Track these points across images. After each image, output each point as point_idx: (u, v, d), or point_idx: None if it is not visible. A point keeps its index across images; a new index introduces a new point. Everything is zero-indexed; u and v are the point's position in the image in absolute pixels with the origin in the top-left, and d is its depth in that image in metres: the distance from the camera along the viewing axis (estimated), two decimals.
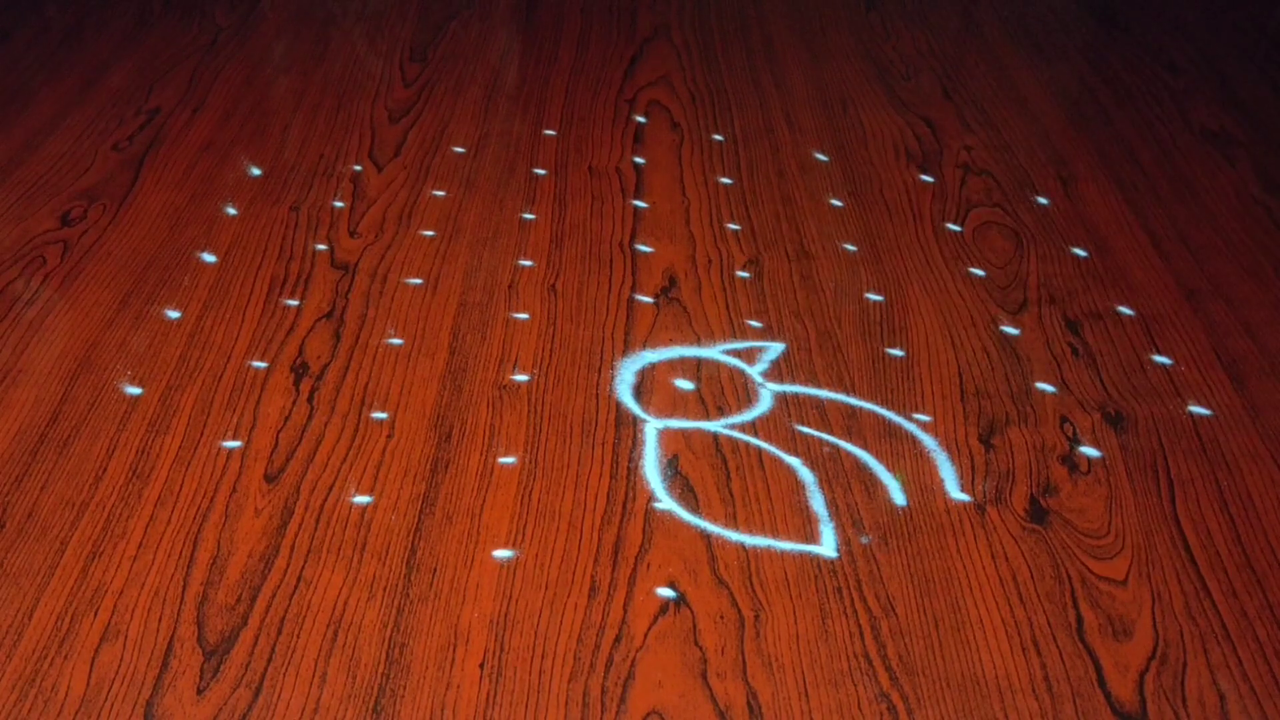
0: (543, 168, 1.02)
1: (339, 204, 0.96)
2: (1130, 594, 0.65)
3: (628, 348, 0.82)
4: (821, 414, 0.77)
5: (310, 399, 0.76)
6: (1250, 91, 1.18)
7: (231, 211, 0.95)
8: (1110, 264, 0.92)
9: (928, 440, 0.75)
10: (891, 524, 0.69)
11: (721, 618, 0.63)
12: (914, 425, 0.76)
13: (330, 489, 0.70)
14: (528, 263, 0.90)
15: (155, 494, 0.69)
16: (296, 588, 0.64)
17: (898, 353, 0.82)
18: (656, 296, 0.87)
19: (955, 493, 0.71)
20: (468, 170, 1.02)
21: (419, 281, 0.88)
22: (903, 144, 1.08)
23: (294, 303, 0.85)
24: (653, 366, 0.80)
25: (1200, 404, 0.78)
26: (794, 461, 0.73)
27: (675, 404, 0.77)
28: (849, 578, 0.65)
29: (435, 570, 0.65)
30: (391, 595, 0.64)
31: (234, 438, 0.73)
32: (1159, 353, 0.82)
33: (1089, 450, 0.74)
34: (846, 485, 0.71)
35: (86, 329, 0.82)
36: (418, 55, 1.21)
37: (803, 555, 0.67)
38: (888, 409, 0.77)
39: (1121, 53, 1.26)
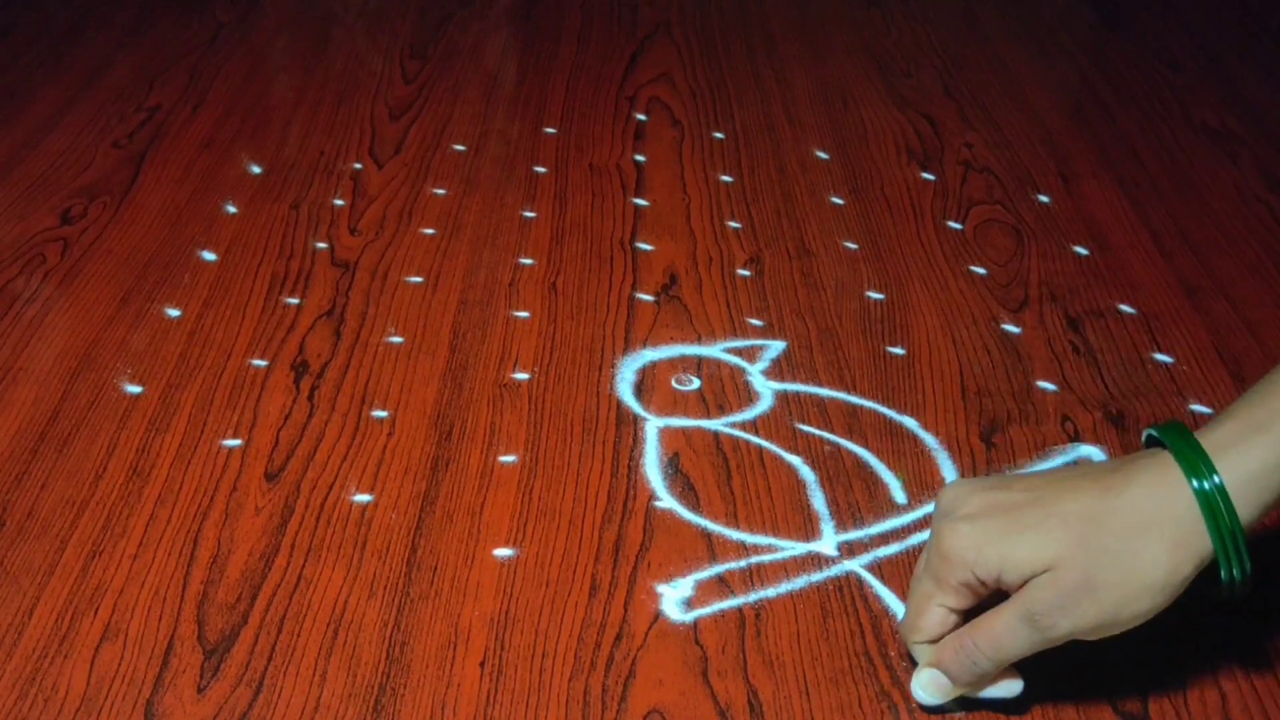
0: (543, 165, 1.02)
1: (339, 202, 0.96)
2: None
3: (628, 346, 0.82)
4: (822, 412, 0.77)
5: (310, 397, 0.76)
6: (1253, 89, 1.18)
7: (232, 209, 0.95)
8: (1111, 262, 0.91)
9: (929, 439, 0.75)
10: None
11: (722, 616, 0.63)
12: (915, 423, 0.76)
13: (331, 487, 0.70)
14: (528, 260, 0.90)
15: (155, 492, 0.69)
16: (297, 586, 0.64)
17: (898, 351, 0.82)
18: (657, 294, 0.87)
19: None
20: (468, 168, 1.02)
21: (419, 279, 0.88)
22: (903, 141, 1.07)
23: (294, 301, 0.85)
24: (653, 365, 0.80)
25: (1202, 402, 0.78)
26: (795, 460, 0.73)
27: (676, 402, 0.77)
28: (850, 576, 0.65)
29: (436, 569, 0.65)
30: (392, 594, 0.64)
31: (234, 436, 0.73)
32: (1160, 351, 0.82)
33: (1090, 449, 0.74)
34: (847, 484, 0.71)
35: (87, 327, 0.82)
36: (418, 52, 1.21)
37: (804, 553, 0.67)
38: (889, 407, 0.77)
39: (1123, 50, 1.26)
